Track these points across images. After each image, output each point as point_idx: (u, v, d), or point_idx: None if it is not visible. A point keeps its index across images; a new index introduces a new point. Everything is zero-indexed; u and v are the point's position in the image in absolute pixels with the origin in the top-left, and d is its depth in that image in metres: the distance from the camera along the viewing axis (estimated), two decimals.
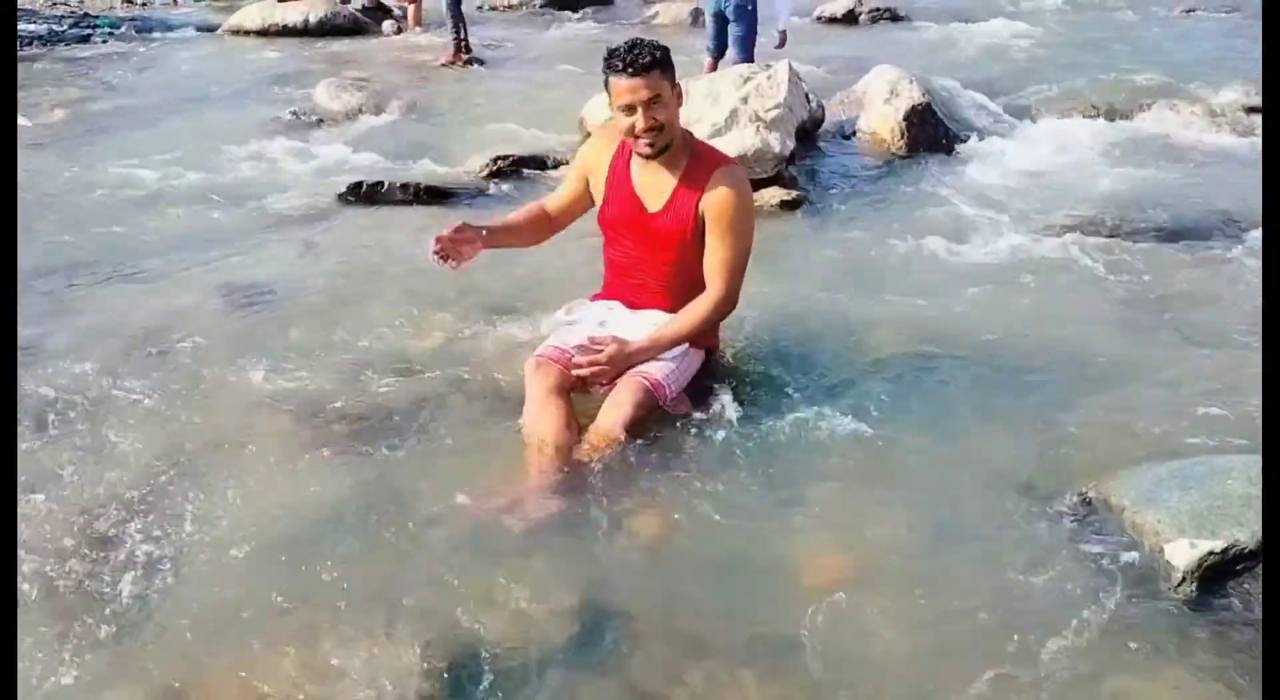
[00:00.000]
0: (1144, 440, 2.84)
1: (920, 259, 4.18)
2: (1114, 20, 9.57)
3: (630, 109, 2.76)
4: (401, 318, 3.67)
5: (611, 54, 2.76)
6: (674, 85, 2.82)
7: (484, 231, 2.98)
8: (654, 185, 2.94)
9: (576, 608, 2.27)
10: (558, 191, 3.20)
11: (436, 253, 2.88)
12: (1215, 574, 2.23)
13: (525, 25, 10.06)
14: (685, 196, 2.90)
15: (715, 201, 2.87)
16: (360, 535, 2.51)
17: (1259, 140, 5.68)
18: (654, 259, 3.01)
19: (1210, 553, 2.22)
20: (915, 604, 2.26)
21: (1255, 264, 4.11)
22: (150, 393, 3.17)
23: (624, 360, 2.89)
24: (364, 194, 4.87)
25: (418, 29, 9.23)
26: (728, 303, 2.97)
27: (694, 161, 2.92)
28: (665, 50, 2.80)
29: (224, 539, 2.48)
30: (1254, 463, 2.49)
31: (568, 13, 10.48)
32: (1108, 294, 3.87)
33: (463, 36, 8.14)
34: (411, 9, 9.41)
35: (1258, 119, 5.96)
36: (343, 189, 4.90)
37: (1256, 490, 2.33)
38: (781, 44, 6.82)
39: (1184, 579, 2.22)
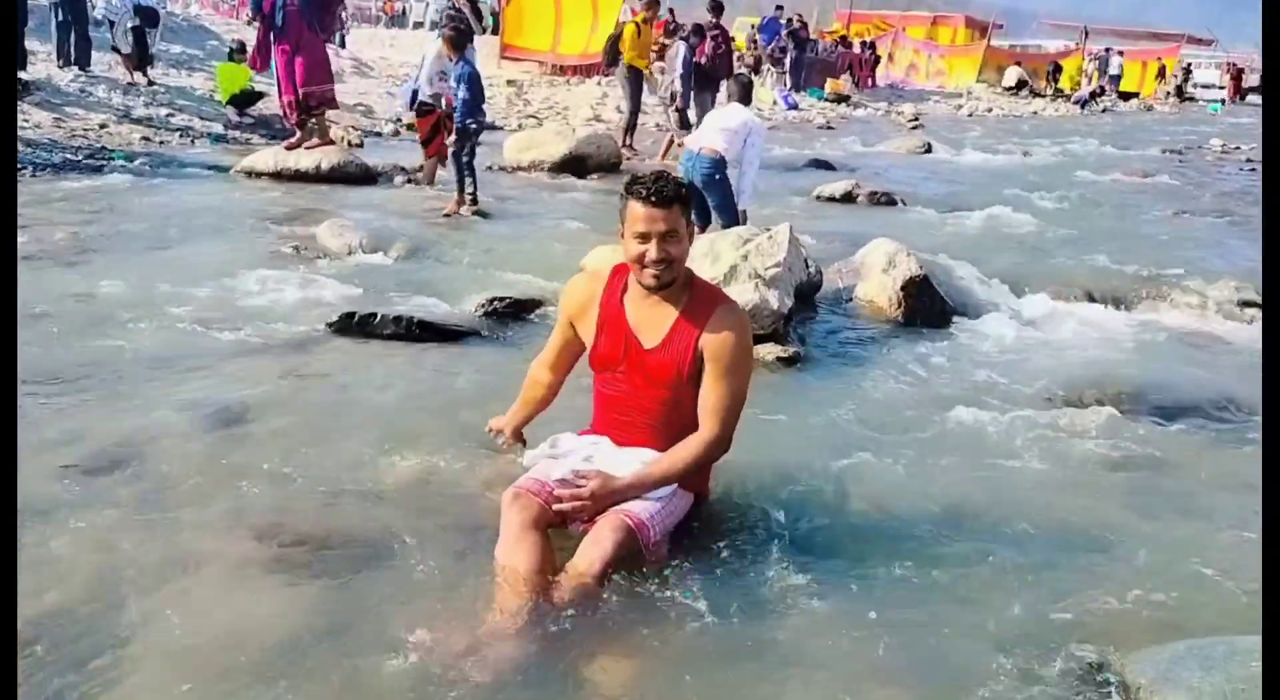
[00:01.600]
0: (1155, 617, 2.68)
1: (916, 423, 4.08)
2: (1108, 217, 9.87)
3: (645, 238, 2.72)
4: (378, 448, 3.53)
5: (635, 181, 2.75)
6: (690, 223, 2.80)
7: (510, 423, 3.32)
8: (651, 321, 2.87)
9: None
10: (547, 348, 3.18)
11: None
12: None
13: (533, 185, 10.32)
14: (684, 333, 2.82)
15: (716, 340, 2.79)
16: (308, 668, 2.32)
17: (1254, 329, 5.71)
18: (647, 395, 2.91)
19: None
20: None
21: (1253, 444, 4.02)
22: (106, 507, 3.01)
23: (608, 496, 2.75)
24: (355, 325, 4.80)
25: (429, 186, 9.35)
26: (721, 444, 2.85)
27: (693, 298, 2.86)
28: (688, 187, 2.81)
29: (165, 661, 2.31)
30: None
31: (575, 177, 10.77)
32: (1107, 468, 3.75)
33: (470, 190, 8.33)
34: (427, 165, 9.61)
35: (1251, 312, 6.01)
36: (334, 319, 4.82)
37: None
38: (742, 222, 6.96)
39: None
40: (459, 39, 8.22)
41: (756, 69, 21.82)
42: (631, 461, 2.87)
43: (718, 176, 6.98)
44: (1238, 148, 19.06)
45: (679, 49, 12.48)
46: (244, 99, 12.96)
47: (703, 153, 6.99)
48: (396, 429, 3.71)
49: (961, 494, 3.43)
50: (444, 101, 8.88)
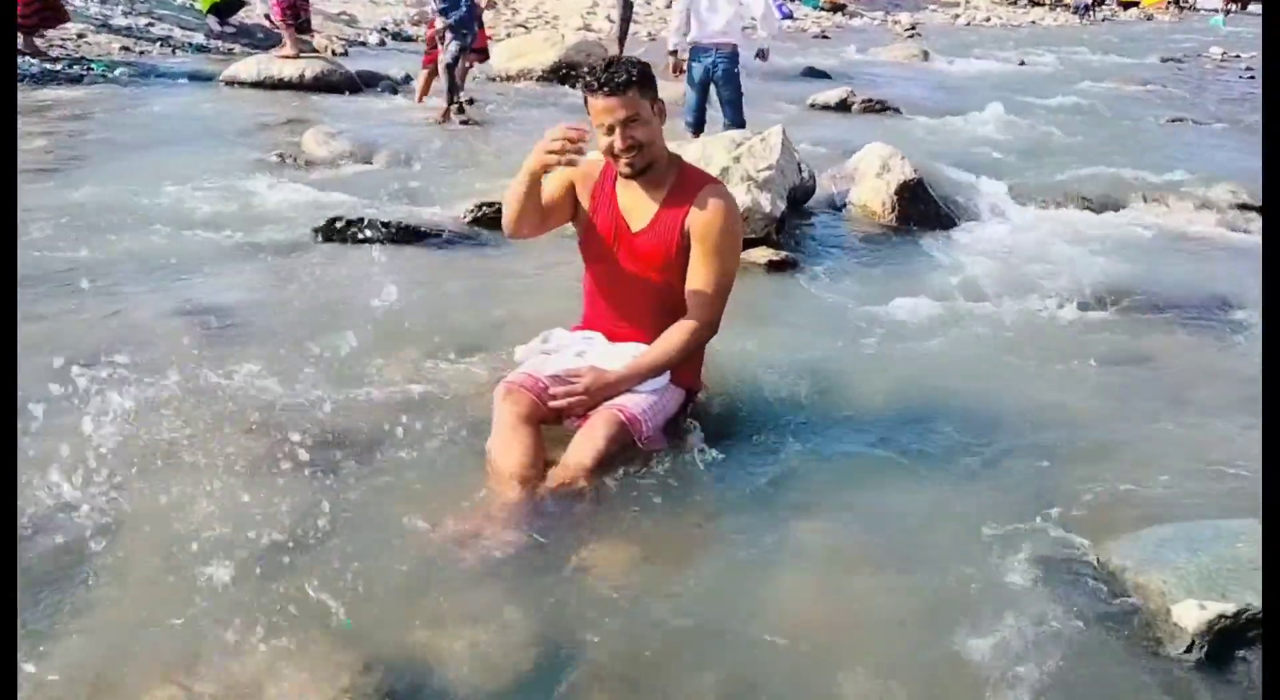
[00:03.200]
0: (1143, 506, 2.69)
1: (908, 323, 4.06)
2: (1106, 123, 9.74)
3: (609, 128, 2.66)
4: (370, 348, 3.48)
5: (589, 72, 2.68)
6: (654, 102, 2.72)
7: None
8: (637, 204, 2.82)
9: (530, 644, 2.08)
10: (543, 191, 2.89)
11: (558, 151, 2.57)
12: (1226, 639, 2.06)
13: (524, 94, 10.13)
14: (670, 215, 2.78)
15: (700, 220, 2.75)
16: (311, 553, 2.33)
17: (1250, 234, 5.68)
18: (636, 282, 2.87)
19: (1222, 615, 2.06)
20: (895, 660, 2.06)
21: (1248, 341, 4.03)
22: (101, 401, 2.98)
23: (602, 390, 2.74)
24: (341, 230, 4.74)
25: (421, 101, 9.05)
26: (708, 328, 2.83)
27: (680, 180, 2.81)
28: (644, 67, 2.70)
29: (170, 547, 2.30)
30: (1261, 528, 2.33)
31: (565, 87, 10.58)
32: (1102, 364, 3.74)
33: (457, 99, 8.16)
34: (421, 78, 9.28)
35: (1248, 215, 5.98)
36: (320, 223, 4.76)
37: None
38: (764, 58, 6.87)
39: (1192, 643, 2.05)
40: None
41: None
42: (624, 356, 2.85)
43: (735, 70, 6.83)
44: (1237, 56, 18.77)
45: None
46: (225, 7, 12.62)
47: (720, 49, 6.77)
48: (387, 330, 3.66)
49: (952, 389, 3.42)
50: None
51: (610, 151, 2.71)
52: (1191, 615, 2.06)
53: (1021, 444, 3.02)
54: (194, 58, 11.11)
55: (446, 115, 8.05)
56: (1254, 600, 2.06)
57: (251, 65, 9.73)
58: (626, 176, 2.76)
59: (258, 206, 5.30)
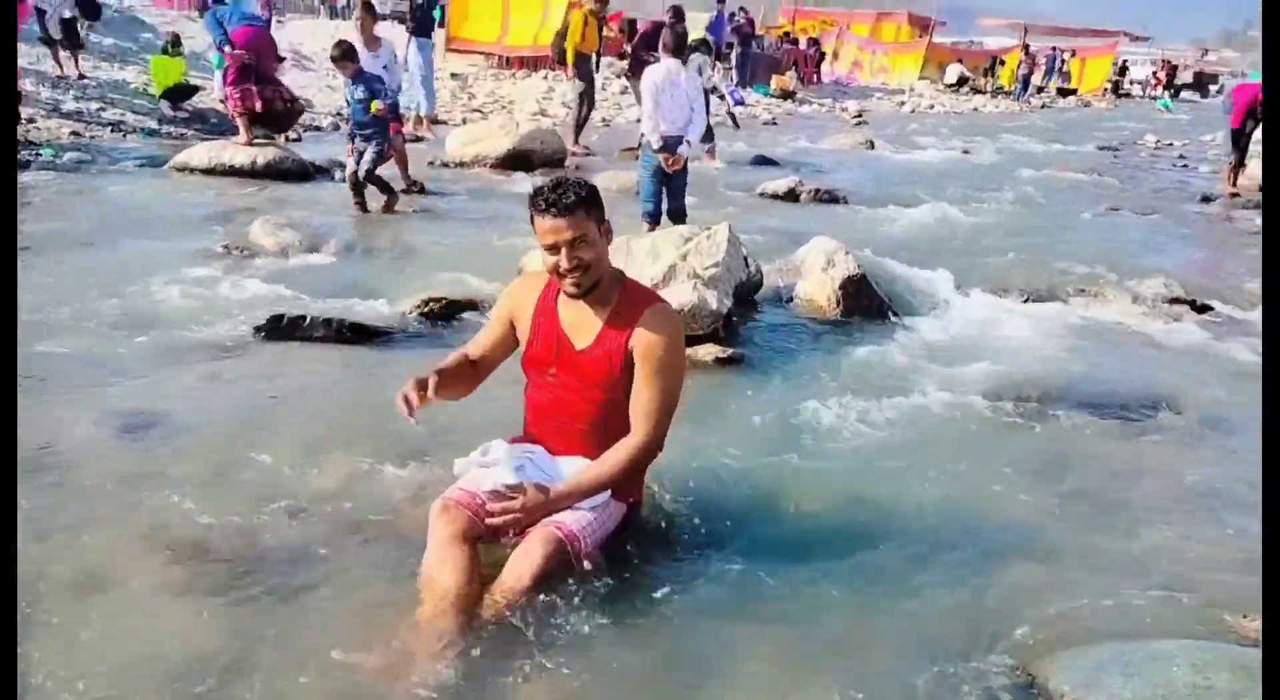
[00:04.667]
0: (1079, 621, 2.70)
1: (851, 423, 4.09)
2: (1044, 213, 10.01)
3: (555, 248, 2.68)
4: (305, 457, 3.45)
5: (536, 193, 2.70)
6: (601, 223, 2.75)
7: (433, 378, 2.73)
8: (582, 322, 2.83)
9: None
10: (479, 336, 3.03)
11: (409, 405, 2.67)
12: None
13: (476, 181, 10.20)
14: (614, 332, 2.79)
15: (645, 340, 2.76)
16: (223, 689, 2.23)
17: (1182, 328, 5.83)
18: (580, 397, 2.86)
19: None
20: None
21: (1181, 443, 4.11)
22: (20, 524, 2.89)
23: (540, 508, 2.70)
24: (284, 327, 4.69)
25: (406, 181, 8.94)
26: (653, 446, 2.82)
27: (624, 298, 2.83)
28: (592, 189, 2.74)
29: (75, 686, 2.22)
30: (1195, 649, 2.35)
31: (521, 173, 10.68)
32: (1040, 468, 3.79)
33: (409, 186, 8.23)
34: (397, 160, 8.95)
35: (1180, 309, 6.14)
36: (262, 321, 4.71)
37: (1201, 679, 2.19)
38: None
39: None
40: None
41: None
42: (565, 470, 2.83)
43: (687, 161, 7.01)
44: (1170, 144, 19.49)
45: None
46: (178, 92, 12.66)
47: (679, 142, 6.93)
48: (324, 437, 3.63)
49: (894, 496, 3.44)
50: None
51: (555, 271, 2.72)
52: None
53: (959, 556, 3.03)
54: (145, 142, 11.09)
55: (390, 207, 8.00)
56: None
57: (203, 152, 9.72)
58: (572, 296, 2.77)
59: (201, 302, 5.24)
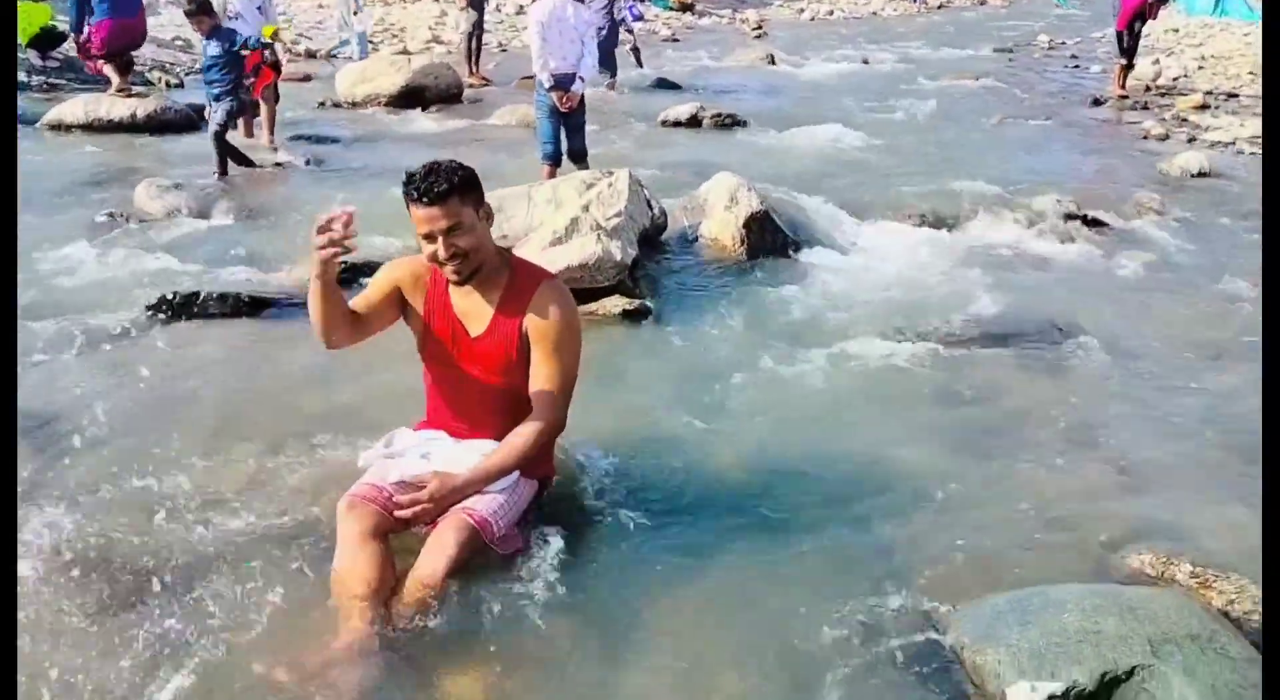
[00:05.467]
0: (982, 567, 2.82)
1: (759, 372, 4.14)
2: (940, 127, 10.10)
3: (431, 238, 2.62)
4: (206, 448, 3.37)
5: (409, 180, 2.61)
6: (479, 207, 2.69)
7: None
8: (473, 309, 2.79)
9: None
10: (363, 295, 2.85)
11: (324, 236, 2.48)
12: None
13: (370, 123, 9.88)
14: (507, 317, 2.76)
15: (539, 320, 2.74)
16: None
17: (1076, 246, 6.00)
18: (479, 384, 2.84)
19: (1051, 696, 2.16)
20: None
21: (1078, 370, 4.26)
22: None
23: (448, 497, 2.69)
24: (177, 306, 4.53)
25: (277, 151, 8.22)
26: (555, 426, 2.82)
27: (513, 280, 2.79)
28: (467, 173, 2.65)
29: None
30: (1087, 594, 2.48)
31: (415, 111, 10.37)
32: (940, 407, 3.91)
33: (251, 162, 7.65)
34: (265, 116, 8.39)
35: (1074, 225, 6.31)
36: (153, 301, 4.54)
37: (1091, 624, 2.31)
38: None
39: None
40: None
41: None
42: (471, 455, 2.81)
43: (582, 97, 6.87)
44: (1063, 43, 19.75)
45: None
46: (46, 40, 11.87)
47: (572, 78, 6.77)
48: (226, 427, 3.55)
49: (800, 447, 3.52)
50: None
51: (434, 259, 2.67)
52: (1023, 697, 2.16)
53: (866, 507, 3.12)
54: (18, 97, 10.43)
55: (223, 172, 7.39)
56: (1079, 676, 2.18)
57: (78, 106, 9.19)
58: (455, 284, 2.72)
59: (86, 281, 5.03)
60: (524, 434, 2.77)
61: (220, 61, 7.30)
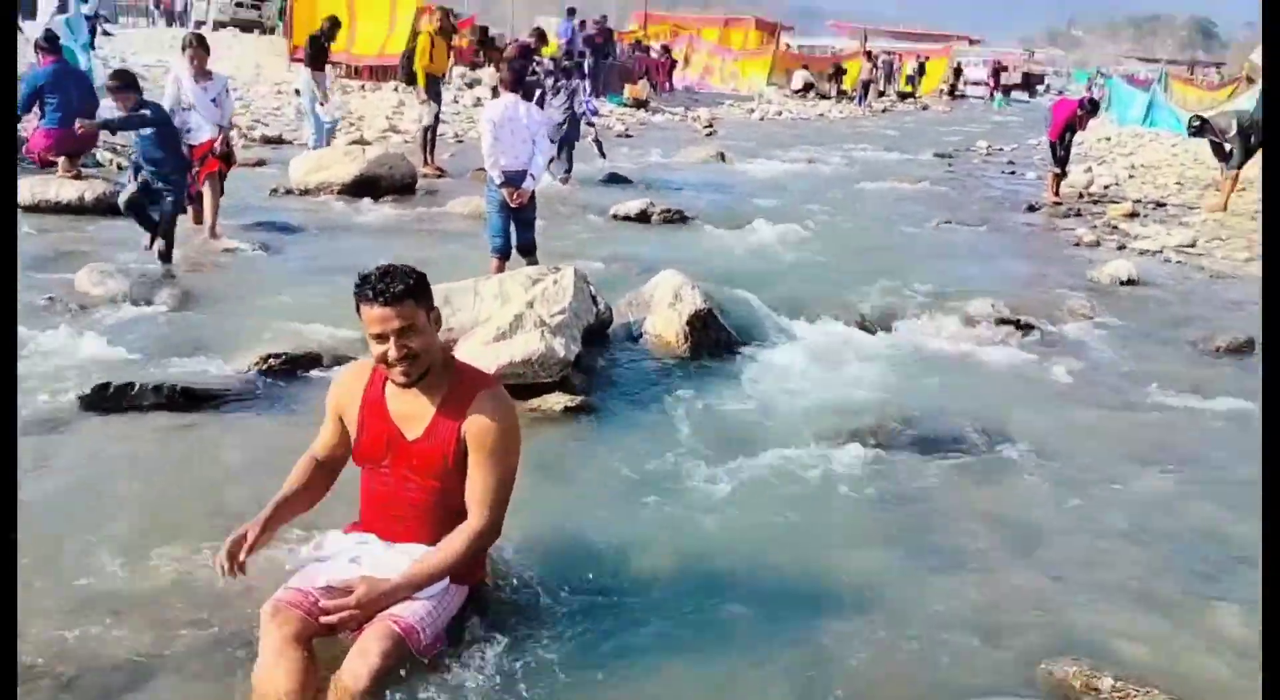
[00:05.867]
0: (910, 677, 2.84)
1: (698, 473, 4.18)
2: (881, 231, 10.42)
3: (382, 338, 2.66)
4: (132, 547, 3.31)
5: (363, 281, 2.67)
6: (430, 310, 2.74)
7: (261, 525, 2.75)
8: (412, 412, 2.81)
9: None
10: (320, 435, 3.02)
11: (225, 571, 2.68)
12: None
13: (322, 211, 9.93)
14: (447, 421, 2.78)
15: (478, 426, 2.77)
16: None
17: (1008, 350, 6.17)
18: (413, 486, 2.84)
19: None
20: None
21: (1009, 476, 4.36)
22: None
23: (376, 602, 2.67)
24: (111, 397, 4.47)
25: (219, 239, 8.07)
26: (490, 533, 2.83)
27: (455, 384, 2.82)
28: (420, 276, 2.73)
29: None
30: None
31: (368, 200, 10.45)
32: (874, 511, 3.97)
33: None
34: (208, 205, 8.14)
35: (1007, 330, 6.50)
36: (86, 392, 4.48)
37: None
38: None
39: None
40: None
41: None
42: (401, 559, 2.79)
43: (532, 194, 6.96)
44: (1000, 149, 20.56)
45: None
46: None
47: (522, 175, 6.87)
48: (152, 525, 3.49)
49: (736, 550, 3.55)
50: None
51: (384, 360, 2.70)
52: None
53: (798, 610, 3.15)
54: None
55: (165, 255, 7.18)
56: None
57: (25, 188, 9.10)
58: (401, 385, 2.75)
59: (21, 368, 4.93)
60: (458, 540, 2.76)
61: (156, 140, 7.03)
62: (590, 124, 13.65)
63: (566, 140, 11.79)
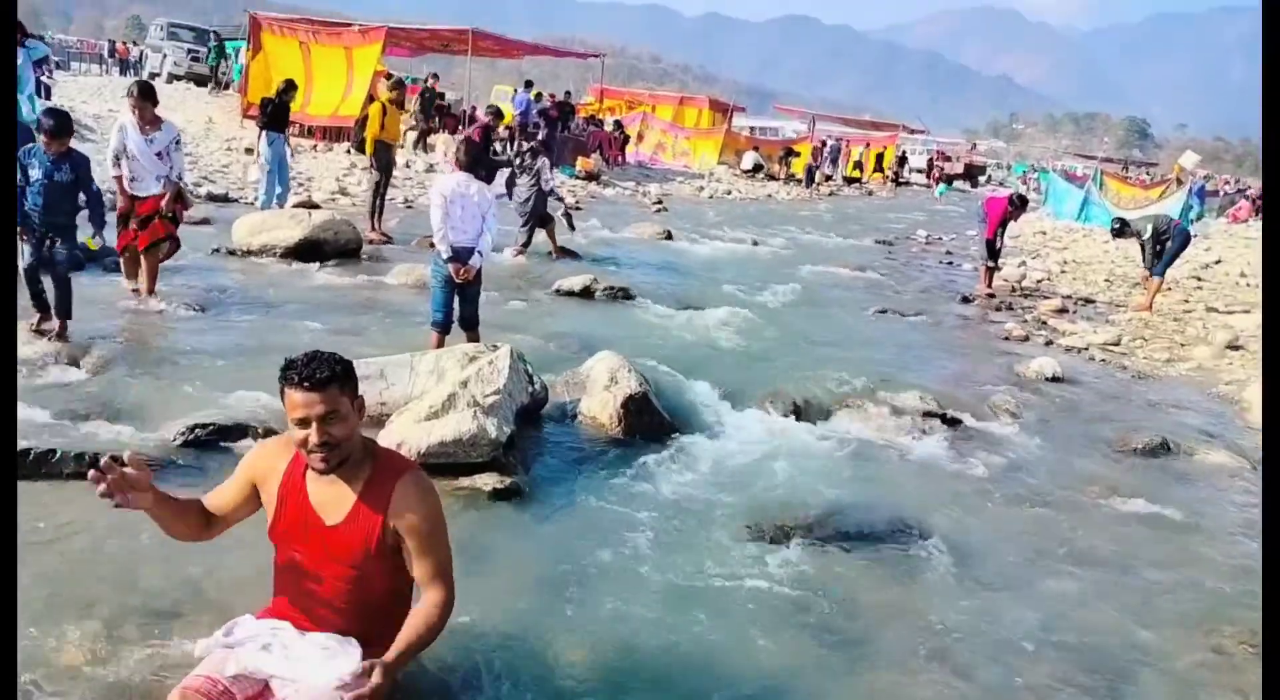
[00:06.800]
0: None
1: (625, 562, 4.22)
2: (819, 317, 10.63)
3: (305, 422, 2.67)
4: (40, 626, 3.23)
5: (289, 366, 2.69)
6: (354, 398, 2.77)
7: (152, 479, 2.68)
8: (332, 498, 2.81)
9: None
10: (220, 489, 2.93)
11: (102, 485, 2.56)
12: None
13: (263, 274, 9.88)
14: (368, 508, 2.79)
15: (407, 517, 2.78)
16: None
17: (934, 444, 6.32)
18: (329, 572, 2.83)
19: None
20: None
21: (930, 574, 4.45)
22: None
23: (388, 681, 2.55)
24: (30, 464, 4.39)
25: (153, 299, 7.85)
26: (452, 602, 2.84)
27: (375, 470, 2.83)
28: (346, 364, 2.76)
29: None
30: None
31: (313, 265, 10.43)
32: (799, 606, 4.02)
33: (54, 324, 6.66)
34: (124, 262, 8.02)
35: (934, 422, 6.66)
36: None
37: None
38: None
39: None
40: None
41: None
42: (313, 649, 2.77)
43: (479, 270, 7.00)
44: (939, 238, 21.17)
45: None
46: None
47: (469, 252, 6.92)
48: (64, 600, 3.42)
49: (659, 646, 3.57)
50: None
51: (304, 445, 2.71)
52: None
53: None
54: None
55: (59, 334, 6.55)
56: None
57: None
58: (320, 472, 2.75)
59: None
60: (434, 614, 2.76)
61: (62, 189, 6.45)
62: (560, 199, 13.87)
63: (534, 213, 12.01)
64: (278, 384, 2.70)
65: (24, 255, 6.56)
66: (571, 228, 14.04)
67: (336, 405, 2.68)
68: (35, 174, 6.38)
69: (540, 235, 12.43)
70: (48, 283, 6.65)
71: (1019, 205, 12.96)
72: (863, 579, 4.33)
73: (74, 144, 6.74)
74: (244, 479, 2.90)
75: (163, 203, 7.71)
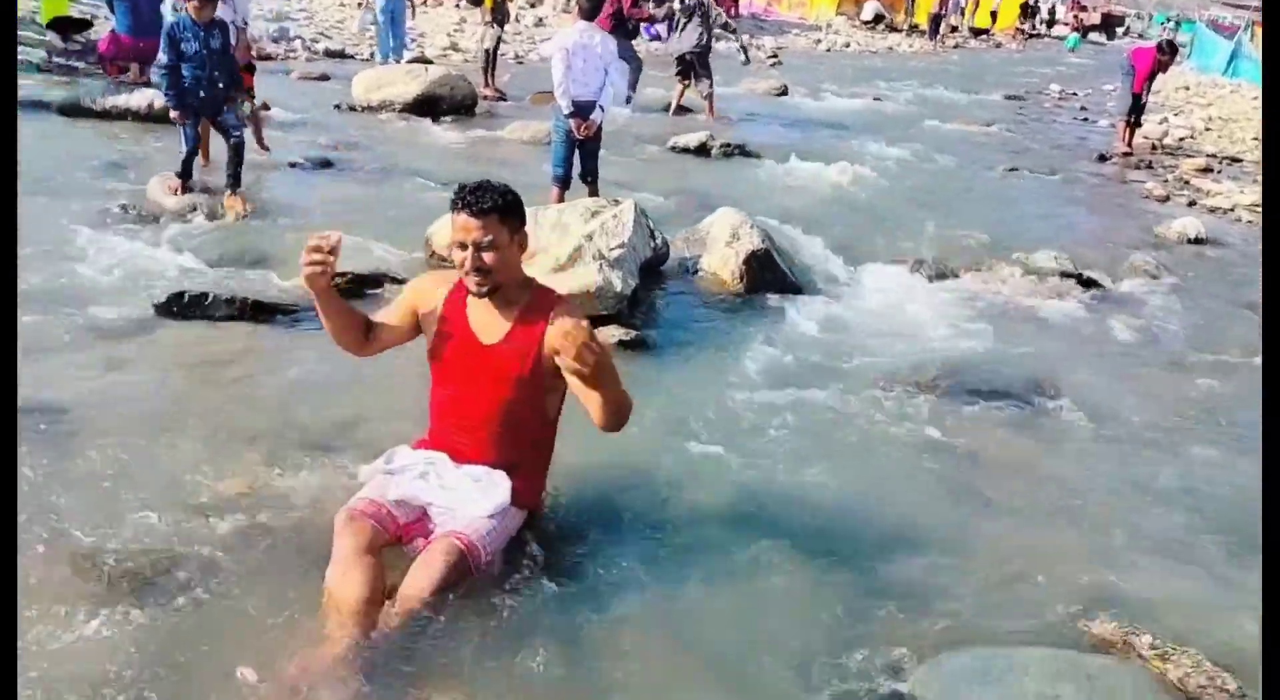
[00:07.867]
0: (950, 623, 2.89)
1: (749, 413, 4.24)
2: (945, 174, 10.23)
3: (463, 246, 2.75)
4: (207, 453, 3.45)
5: (460, 189, 2.77)
6: (515, 233, 2.81)
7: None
8: (490, 321, 2.90)
9: None
10: (384, 311, 3.06)
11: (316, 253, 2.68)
12: None
13: (383, 129, 9.98)
14: (525, 330, 2.88)
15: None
16: None
17: (1069, 305, 6.12)
18: (485, 397, 2.92)
19: None
20: None
21: (1061, 432, 4.37)
22: None
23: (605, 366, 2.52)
24: (185, 306, 4.62)
25: (268, 148, 8.17)
26: (630, 402, 2.80)
27: (533, 300, 2.92)
28: (513, 198, 2.80)
29: None
30: (1049, 659, 2.58)
31: (428, 120, 10.47)
32: (923, 459, 4.00)
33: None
34: (252, 126, 8.01)
35: (1069, 283, 6.43)
36: (162, 299, 4.63)
37: (1050, 689, 2.41)
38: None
39: None
40: None
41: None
42: (466, 480, 2.91)
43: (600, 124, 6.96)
44: (1074, 93, 19.98)
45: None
46: (69, 23, 11.97)
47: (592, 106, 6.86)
48: (228, 431, 3.63)
49: (788, 491, 3.61)
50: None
51: (461, 267, 2.78)
52: None
53: (845, 556, 3.20)
54: (31, 80, 10.51)
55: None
56: None
57: (95, 92, 9.29)
58: (474, 295, 2.83)
59: (97, 273, 5.11)
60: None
61: (220, 57, 6.43)
62: (733, 30, 13.84)
63: (703, 57, 12.11)
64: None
65: (186, 140, 6.57)
66: (746, 60, 13.99)
67: (495, 234, 2.74)
68: (192, 46, 6.30)
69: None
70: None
71: (1169, 53, 12.07)
72: (993, 432, 4.28)
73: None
74: (406, 303, 3.01)
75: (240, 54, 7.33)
